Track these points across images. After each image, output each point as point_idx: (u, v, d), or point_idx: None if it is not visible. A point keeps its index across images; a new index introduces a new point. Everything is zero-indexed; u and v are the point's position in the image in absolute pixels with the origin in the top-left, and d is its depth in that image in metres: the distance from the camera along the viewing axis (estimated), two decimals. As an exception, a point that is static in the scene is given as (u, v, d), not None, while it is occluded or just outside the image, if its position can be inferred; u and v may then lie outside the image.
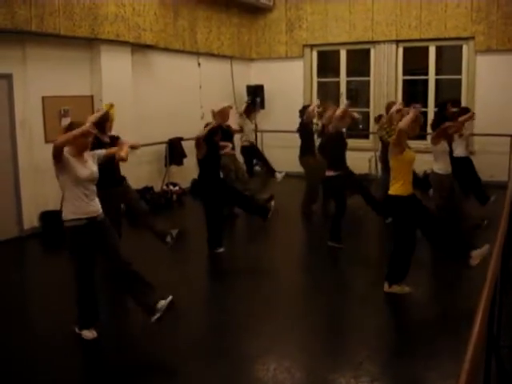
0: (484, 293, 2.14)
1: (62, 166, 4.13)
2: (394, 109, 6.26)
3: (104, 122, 5.53)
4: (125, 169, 8.52)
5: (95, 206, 4.30)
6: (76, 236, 4.20)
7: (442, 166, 6.52)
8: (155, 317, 4.11)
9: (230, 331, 4.46)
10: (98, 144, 5.05)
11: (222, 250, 6.57)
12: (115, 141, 5.96)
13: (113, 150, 4.93)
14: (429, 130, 11.05)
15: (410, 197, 5.03)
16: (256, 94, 11.76)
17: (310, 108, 8.43)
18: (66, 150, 4.11)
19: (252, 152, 9.76)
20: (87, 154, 4.37)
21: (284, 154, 10.52)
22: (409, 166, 5.03)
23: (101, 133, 5.44)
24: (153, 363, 3.93)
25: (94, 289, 4.37)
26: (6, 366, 3.92)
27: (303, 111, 8.58)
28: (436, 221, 5.22)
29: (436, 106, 7.63)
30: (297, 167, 9.04)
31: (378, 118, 8.64)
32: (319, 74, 12.22)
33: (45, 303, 5.19)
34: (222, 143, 6.82)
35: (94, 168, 4.35)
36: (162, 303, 4.12)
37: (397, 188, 4.99)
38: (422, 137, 11.22)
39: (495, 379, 3.22)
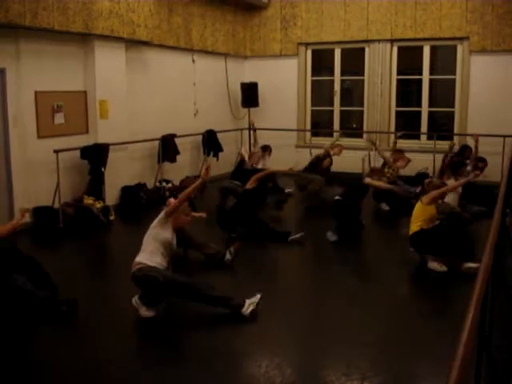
0: (476, 290, 2.14)
1: (166, 221, 4.72)
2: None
3: None
4: (118, 165, 8.55)
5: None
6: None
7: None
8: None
9: (222, 328, 4.45)
10: None
11: (298, 235, 6.82)
12: None
13: None
14: (422, 129, 11.17)
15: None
16: (250, 91, 11.74)
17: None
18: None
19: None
20: None
21: (277, 152, 10.51)
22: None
23: None
24: (144, 361, 3.92)
25: None
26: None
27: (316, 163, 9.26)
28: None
29: (460, 149, 7.82)
30: (290, 165, 9.03)
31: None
32: (313, 73, 12.20)
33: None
34: None
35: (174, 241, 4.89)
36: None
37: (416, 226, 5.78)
38: (416, 136, 11.28)
39: (486, 377, 3.23)
